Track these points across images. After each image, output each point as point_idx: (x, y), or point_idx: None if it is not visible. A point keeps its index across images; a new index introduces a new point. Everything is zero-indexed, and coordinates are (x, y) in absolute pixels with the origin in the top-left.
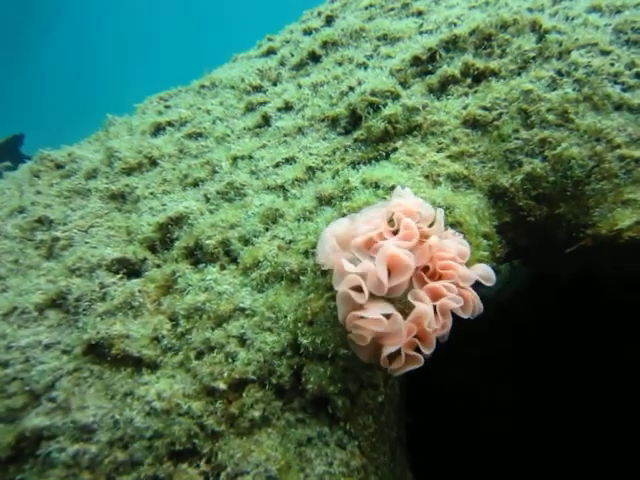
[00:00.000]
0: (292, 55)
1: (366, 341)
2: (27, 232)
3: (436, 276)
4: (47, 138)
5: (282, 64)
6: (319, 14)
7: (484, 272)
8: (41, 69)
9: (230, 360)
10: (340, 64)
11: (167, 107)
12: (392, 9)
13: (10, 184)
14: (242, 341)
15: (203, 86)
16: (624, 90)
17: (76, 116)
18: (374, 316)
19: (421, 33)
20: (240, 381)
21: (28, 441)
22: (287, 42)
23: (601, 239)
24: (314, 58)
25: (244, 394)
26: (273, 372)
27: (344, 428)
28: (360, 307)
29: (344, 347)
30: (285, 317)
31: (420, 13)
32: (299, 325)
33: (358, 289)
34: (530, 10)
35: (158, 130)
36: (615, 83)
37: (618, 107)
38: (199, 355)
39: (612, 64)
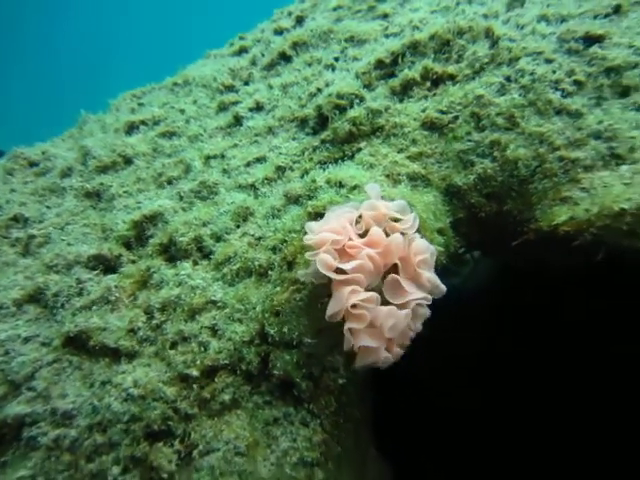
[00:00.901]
0: (263, 55)
1: (366, 320)
2: (2, 230)
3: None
4: (17, 133)
5: (254, 64)
6: (290, 14)
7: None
8: (9, 62)
9: (202, 349)
10: (309, 65)
11: (140, 105)
12: (359, 11)
13: None
14: (214, 331)
15: (176, 84)
16: (564, 96)
17: (45, 111)
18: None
19: (386, 36)
20: (212, 368)
21: (9, 427)
22: (258, 41)
23: (542, 233)
24: (285, 58)
25: (216, 379)
26: (242, 359)
27: (307, 408)
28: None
29: (308, 336)
30: (254, 309)
31: (386, 15)
32: (266, 316)
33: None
34: (485, 16)
35: (132, 129)
36: (556, 89)
37: (558, 112)
38: (173, 345)
39: (554, 72)
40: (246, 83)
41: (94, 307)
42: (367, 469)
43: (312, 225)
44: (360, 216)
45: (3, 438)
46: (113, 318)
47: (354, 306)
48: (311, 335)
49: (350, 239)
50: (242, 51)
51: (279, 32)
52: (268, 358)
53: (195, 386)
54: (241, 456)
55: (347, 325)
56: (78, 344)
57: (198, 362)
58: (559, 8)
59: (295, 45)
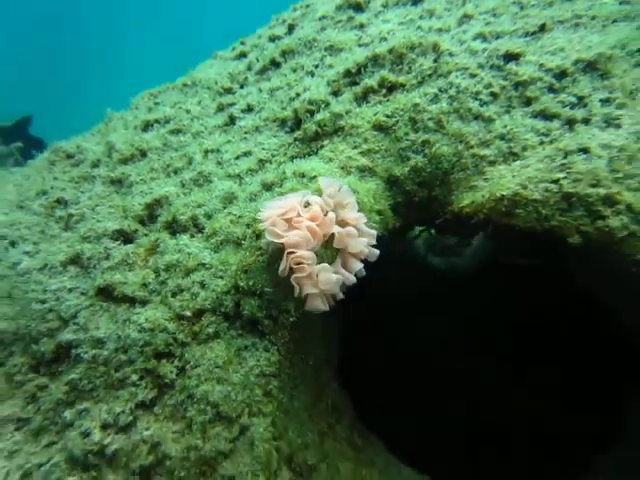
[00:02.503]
0: (258, 60)
1: (305, 271)
2: (49, 210)
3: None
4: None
5: (249, 69)
6: (283, 21)
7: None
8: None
9: (194, 297)
10: (294, 70)
11: (156, 103)
12: (340, 21)
13: (33, 171)
14: (202, 285)
15: (185, 84)
16: (481, 105)
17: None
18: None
19: (359, 45)
20: (200, 310)
21: (63, 348)
22: (256, 47)
23: (454, 214)
24: (275, 64)
25: (202, 318)
26: (222, 304)
27: (268, 339)
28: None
29: (268, 287)
30: (231, 268)
31: (362, 26)
32: (239, 273)
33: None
34: (439, 30)
35: (147, 126)
36: (476, 99)
37: (476, 117)
38: (173, 294)
39: (475, 84)
40: (242, 86)
41: (117, 268)
42: (325, 395)
43: (266, 203)
44: (308, 201)
45: (59, 356)
46: (131, 275)
47: (299, 264)
48: (270, 287)
49: (298, 215)
50: (242, 55)
51: (273, 39)
52: (240, 303)
53: (188, 323)
54: (219, 368)
55: (293, 276)
56: (106, 294)
57: (191, 306)
58: (496, 26)
59: (284, 53)
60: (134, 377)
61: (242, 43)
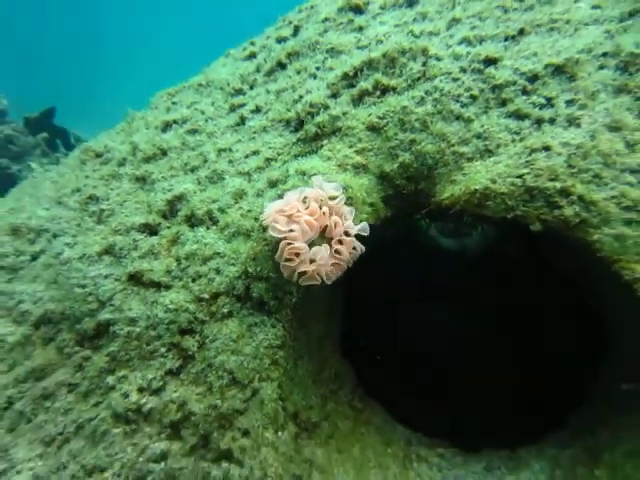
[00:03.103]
0: (265, 61)
1: (297, 260)
2: (83, 205)
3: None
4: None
5: (258, 70)
6: (290, 23)
7: (362, 226)
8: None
9: (210, 282)
10: (299, 72)
11: (174, 103)
12: (341, 23)
13: (66, 169)
14: (217, 271)
15: (200, 84)
16: (462, 106)
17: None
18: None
19: (358, 47)
20: (216, 293)
21: (103, 326)
22: (264, 47)
23: (437, 205)
24: (281, 66)
25: (218, 300)
26: (234, 288)
27: (275, 317)
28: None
29: (273, 272)
30: (241, 256)
31: (361, 28)
32: (249, 261)
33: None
34: (430, 33)
35: (166, 127)
36: (457, 101)
37: (457, 118)
38: (193, 280)
39: (457, 88)
40: (251, 87)
41: (144, 257)
42: (328, 364)
43: (268, 204)
44: (306, 197)
45: (99, 332)
46: (156, 263)
47: (297, 254)
48: (275, 272)
49: (298, 210)
50: (251, 56)
51: (280, 40)
52: (250, 287)
53: (206, 304)
54: (233, 342)
55: (282, 264)
56: (136, 279)
57: (208, 289)
58: (480, 30)
59: (289, 55)
60: (162, 350)
61: (252, 44)
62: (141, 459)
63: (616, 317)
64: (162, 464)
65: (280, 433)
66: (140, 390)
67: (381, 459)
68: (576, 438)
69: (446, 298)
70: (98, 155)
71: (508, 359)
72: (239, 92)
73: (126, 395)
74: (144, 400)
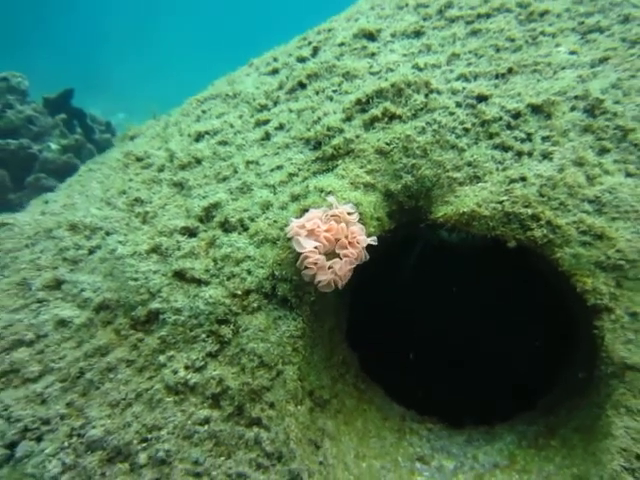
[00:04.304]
0: (287, 79)
1: (314, 270)
2: (130, 207)
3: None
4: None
5: (280, 87)
6: (309, 43)
7: (372, 240)
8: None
9: (243, 281)
10: (317, 93)
11: (203, 112)
12: (355, 49)
13: (110, 171)
14: (249, 272)
15: (228, 95)
16: (456, 137)
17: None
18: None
19: (370, 73)
20: (247, 291)
21: (153, 314)
22: (286, 65)
23: (432, 221)
24: (301, 85)
25: (249, 296)
26: (263, 287)
27: (295, 312)
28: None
29: (296, 275)
30: (269, 261)
31: (373, 54)
32: (275, 265)
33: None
34: (433, 66)
35: (199, 137)
36: (452, 133)
37: (452, 147)
38: (228, 278)
39: (453, 121)
40: (275, 104)
41: (186, 257)
42: (336, 352)
43: (292, 219)
44: (326, 214)
45: (150, 319)
46: (197, 263)
47: (315, 263)
48: (297, 275)
49: (318, 226)
50: (274, 72)
51: (300, 60)
52: (275, 286)
53: (239, 299)
54: (261, 331)
55: (303, 272)
56: (180, 276)
57: (241, 287)
58: (475, 67)
59: (309, 76)
60: (203, 335)
61: (275, 59)
62: (189, 422)
63: (577, 319)
64: (206, 427)
65: (299, 407)
66: (186, 367)
67: (380, 431)
68: (541, 417)
69: (443, 285)
70: (139, 159)
71: (501, 353)
72: (264, 108)
73: (175, 371)
74: (189, 376)
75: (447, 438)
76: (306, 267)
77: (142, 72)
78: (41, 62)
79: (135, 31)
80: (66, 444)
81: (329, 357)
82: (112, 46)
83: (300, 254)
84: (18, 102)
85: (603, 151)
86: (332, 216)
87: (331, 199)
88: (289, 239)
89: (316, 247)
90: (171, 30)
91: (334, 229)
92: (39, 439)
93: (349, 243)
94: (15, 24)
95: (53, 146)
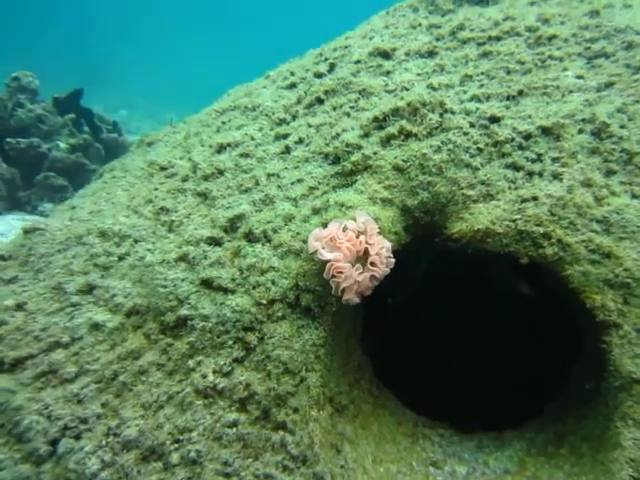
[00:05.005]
0: (305, 94)
1: (341, 277)
2: (156, 215)
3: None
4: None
5: (299, 102)
6: (326, 59)
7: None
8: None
9: (268, 290)
10: (335, 109)
11: (223, 123)
12: (371, 66)
13: (135, 179)
14: (273, 282)
15: (247, 107)
16: (470, 157)
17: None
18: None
19: (386, 91)
20: (272, 300)
21: (182, 320)
22: (303, 79)
23: (447, 237)
24: (319, 101)
25: (274, 305)
26: (287, 297)
27: (317, 321)
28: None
29: (318, 286)
30: (293, 271)
31: (388, 73)
32: (298, 276)
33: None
34: (447, 86)
35: (221, 148)
36: (466, 152)
37: (466, 166)
38: (254, 287)
39: (467, 141)
40: (294, 118)
41: (213, 265)
42: (352, 358)
43: (312, 230)
44: (345, 226)
45: (178, 324)
46: (223, 272)
47: (340, 272)
48: (320, 286)
49: (339, 238)
50: (292, 86)
51: (317, 75)
52: (299, 297)
53: (264, 308)
54: (286, 339)
55: (332, 280)
56: (207, 284)
57: (266, 296)
58: (487, 88)
59: (327, 92)
60: (230, 342)
61: (292, 73)
62: (218, 425)
63: (583, 332)
64: (234, 429)
65: (321, 412)
66: (214, 372)
67: (394, 435)
68: (550, 424)
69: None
70: (163, 168)
71: (510, 358)
72: (283, 121)
73: (204, 376)
74: (218, 380)
75: (458, 444)
76: (333, 275)
77: (140, 66)
78: (40, 60)
79: (130, 24)
80: (104, 442)
81: (346, 363)
82: (108, 40)
83: (326, 263)
84: (28, 101)
85: (610, 173)
86: (351, 229)
87: (358, 214)
88: (312, 253)
89: (339, 256)
90: (167, 24)
91: (353, 239)
92: (78, 437)
93: (376, 254)
94: (16, 24)
95: (62, 145)
